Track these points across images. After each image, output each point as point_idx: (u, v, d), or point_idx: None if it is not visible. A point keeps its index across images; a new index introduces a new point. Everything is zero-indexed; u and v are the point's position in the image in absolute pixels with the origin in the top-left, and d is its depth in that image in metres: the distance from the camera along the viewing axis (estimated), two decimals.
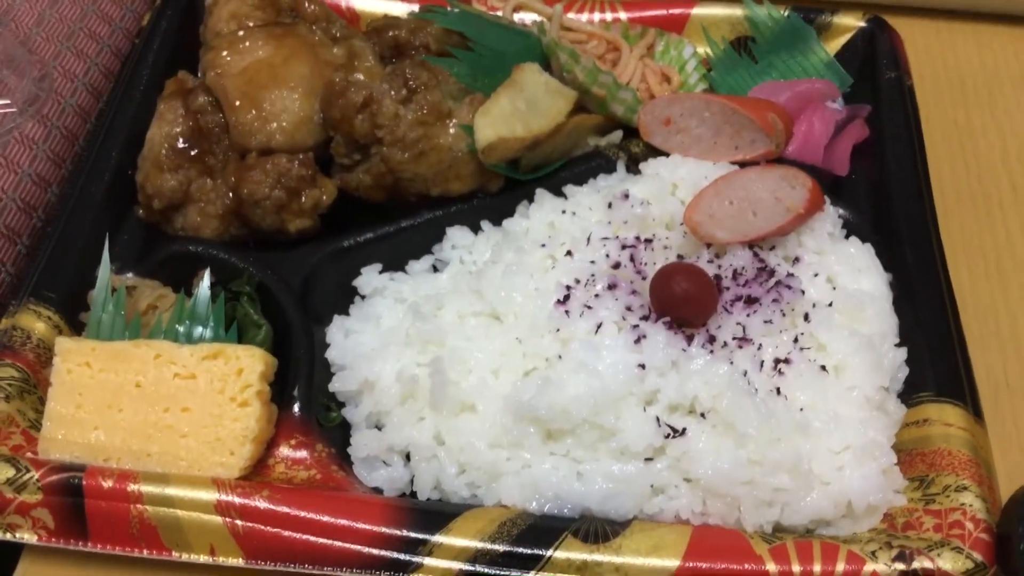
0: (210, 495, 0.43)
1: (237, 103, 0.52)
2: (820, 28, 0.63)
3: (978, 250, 0.60)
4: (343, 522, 0.43)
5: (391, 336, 0.49)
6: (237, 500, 0.43)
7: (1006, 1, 0.70)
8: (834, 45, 0.63)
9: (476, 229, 0.54)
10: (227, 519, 0.43)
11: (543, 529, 0.43)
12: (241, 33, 0.54)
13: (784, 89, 0.58)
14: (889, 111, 0.59)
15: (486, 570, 0.42)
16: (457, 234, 0.53)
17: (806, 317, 0.47)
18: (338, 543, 0.43)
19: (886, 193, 0.55)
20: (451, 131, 0.52)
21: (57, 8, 0.72)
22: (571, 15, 0.63)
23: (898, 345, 0.48)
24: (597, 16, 0.64)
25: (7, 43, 0.69)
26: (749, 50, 0.63)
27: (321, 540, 0.43)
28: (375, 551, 0.43)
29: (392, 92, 0.52)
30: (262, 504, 0.43)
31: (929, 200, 0.55)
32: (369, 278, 0.52)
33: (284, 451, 0.47)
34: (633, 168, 0.56)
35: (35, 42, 0.70)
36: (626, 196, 0.51)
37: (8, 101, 0.67)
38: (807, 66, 0.61)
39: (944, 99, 0.67)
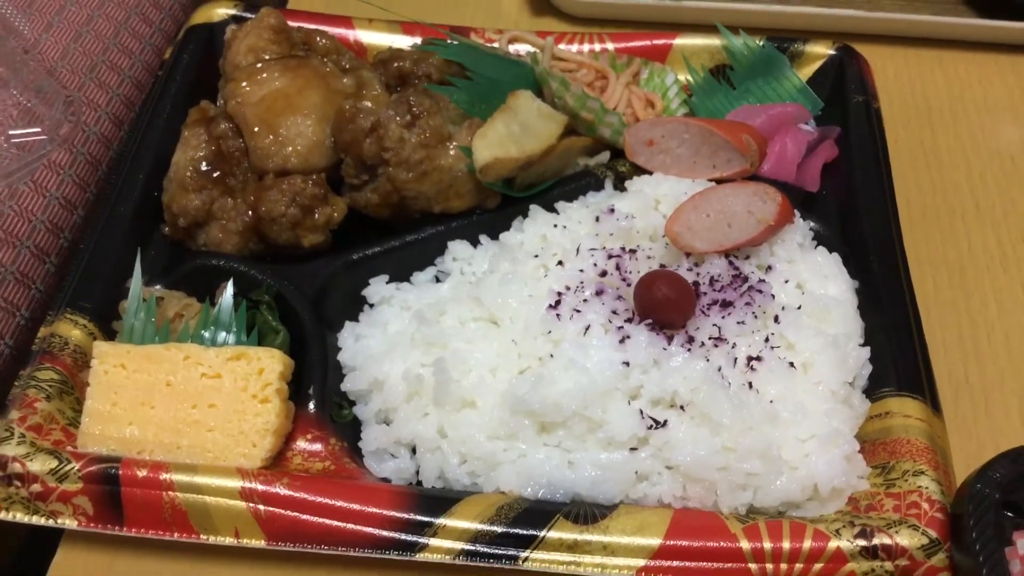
0: (235, 483, 0.47)
1: (256, 129, 0.57)
2: (793, 56, 0.67)
3: (942, 261, 0.64)
4: (356, 507, 0.47)
5: (397, 340, 0.53)
6: (259, 487, 0.47)
7: (969, 30, 0.75)
8: (806, 71, 0.67)
9: (475, 243, 0.58)
10: (250, 504, 0.47)
11: (537, 512, 0.47)
12: (259, 65, 0.59)
13: (759, 112, 0.63)
14: (857, 132, 0.63)
15: (485, 549, 0.46)
16: (458, 247, 0.58)
17: (776, 319, 0.51)
18: (351, 526, 0.47)
19: (853, 207, 0.60)
20: (451, 153, 0.57)
21: (80, 42, 0.77)
22: (562, 46, 0.68)
23: (862, 345, 0.53)
24: (586, 47, 0.68)
25: (36, 75, 0.74)
26: (727, 77, 0.67)
27: (336, 523, 0.47)
28: (385, 532, 0.47)
29: (397, 117, 0.56)
30: (282, 491, 0.47)
31: (894, 214, 0.60)
32: (377, 288, 0.57)
33: (301, 444, 0.51)
34: (619, 186, 0.60)
35: (61, 74, 0.75)
36: (612, 211, 0.56)
37: (39, 129, 0.72)
38: (781, 91, 0.66)
39: (911, 122, 0.72)
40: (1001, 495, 0.46)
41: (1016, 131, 0.72)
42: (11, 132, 0.71)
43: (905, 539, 0.45)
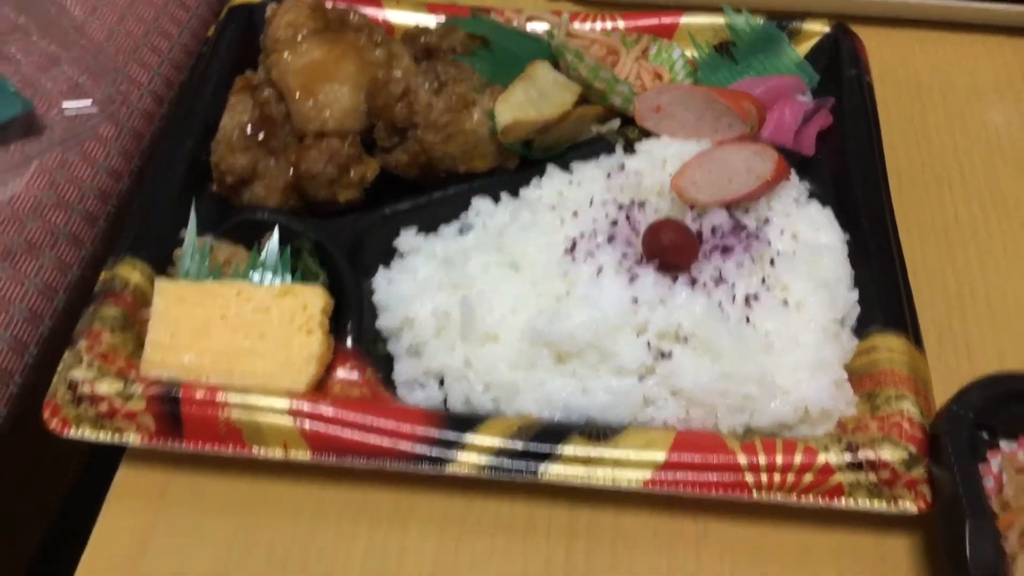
0: (283, 403, 0.52)
1: (297, 95, 0.63)
2: (791, 33, 0.72)
3: (929, 224, 0.69)
4: (391, 424, 0.52)
5: (426, 283, 0.58)
6: (305, 407, 0.52)
7: (958, 12, 0.80)
8: (804, 48, 0.72)
9: (496, 199, 0.63)
10: (297, 421, 0.52)
11: (554, 431, 0.52)
12: (299, 38, 0.65)
13: (759, 84, 0.68)
14: (850, 102, 0.68)
15: (508, 463, 0.51)
16: (480, 203, 0.63)
17: (772, 262, 0.56)
18: (387, 441, 0.52)
19: (845, 170, 0.65)
20: (475, 117, 0.62)
21: (124, 25, 0.83)
22: (575, 25, 0.73)
23: (851, 289, 0.58)
24: (599, 25, 0.74)
25: (86, 53, 0.80)
26: (730, 53, 0.72)
27: (373, 439, 0.52)
28: (417, 448, 0.52)
29: (426, 84, 0.62)
30: (325, 410, 0.52)
31: (884, 177, 0.64)
32: (407, 239, 0.62)
33: (340, 374, 0.56)
34: (629, 150, 0.65)
35: (107, 53, 0.81)
36: (622, 168, 0.61)
37: (90, 101, 0.77)
38: (780, 66, 0.71)
39: (902, 99, 0.76)
40: (975, 416, 0.51)
41: (1000, 110, 0.77)
42: (64, 104, 0.77)
43: (887, 454, 0.50)
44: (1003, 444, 0.52)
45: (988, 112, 0.77)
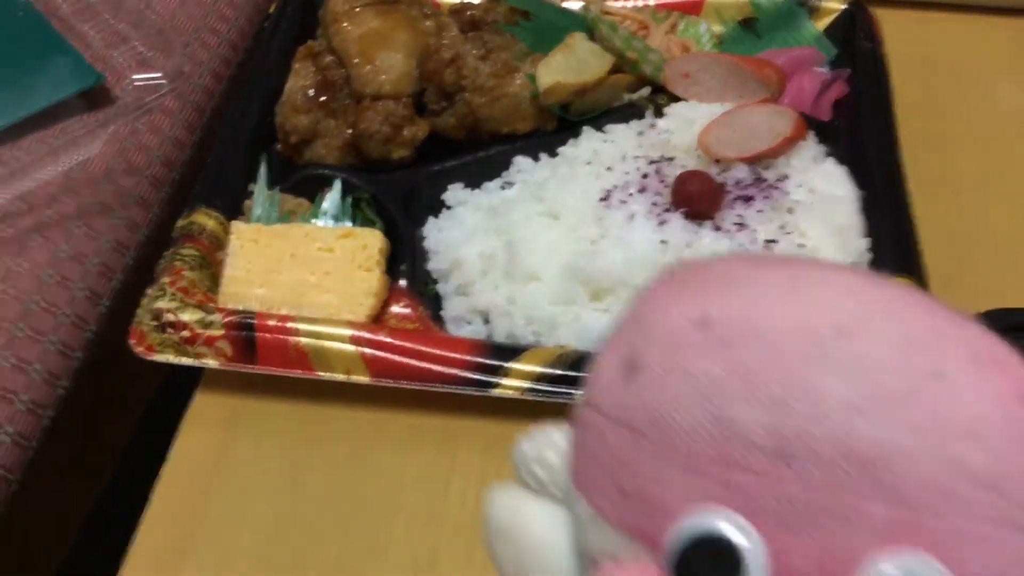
0: (347, 331, 0.58)
1: (356, 60, 0.69)
2: (811, 10, 0.77)
3: (939, 185, 0.73)
4: (442, 352, 0.58)
5: (473, 230, 0.64)
6: (366, 335, 0.58)
7: None
8: (822, 23, 0.77)
9: (536, 158, 0.69)
10: (359, 348, 0.58)
11: (590, 360, 0.58)
12: (357, 10, 0.71)
13: (780, 55, 0.73)
14: (864, 73, 0.73)
15: (547, 387, 0.57)
16: (522, 161, 0.68)
17: (789, 211, 0.62)
18: (438, 367, 0.57)
19: (860, 133, 0.70)
20: (518, 82, 0.68)
21: (185, 8, 0.90)
22: (609, 1, 0.79)
23: (862, 237, 0.63)
24: (631, 3, 0.80)
25: (151, 30, 0.86)
26: (753, 28, 0.78)
27: (426, 364, 0.57)
28: (466, 373, 0.57)
29: (474, 51, 0.68)
30: (384, 338, 0.58)
31: (895, 139, 0.69)
32: (454, 193, 0.67)
33: (395, 309, 0.62)
34: (659, 115, 0.71)
35: (171, 32, 0.88)
36: (653, 126, 0.67)
37: (159, 73, 0.84)
38: (800, 39, 0.76)
39: (916, 74, 0.80)
40: None
41: (1010, 86, 0.82)
42: (134, 76, 0.83)
43: None
44: None
45: (999, 88, 0.81)
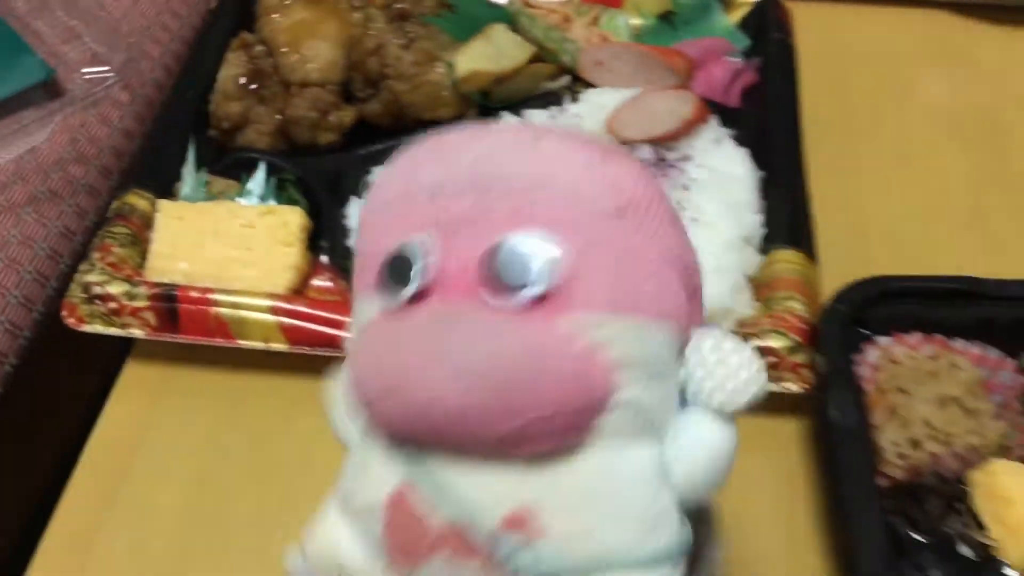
0: (265, 302, 0.61)
1: (284, 50, 0.72)
2: (726, 3, 0.81)
3: (840, 168, 0.75)
4: None
5: None
6: (283, 305, 0.61)
7: None
8: (736, 16, 0.81)
9: None
10: (277, 317, 0.61)
11: None
12: (288, 3, 0.75)
13: (693, 45, 0.77)
14: (773, 62, 0.77)
15: None
16: None
17: (685, 188, 0.65)
18: None
19: (765, 118, 0.74)
20: (439, 70, 0.72)
21: (138, 6, 0.93)
22: None
23: (756, 212, 0.67)
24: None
25: (103, 27, 0.90)
26: (671, 21, 0.82)
27: (342, 333, 0.61)
28: None
29: (396, 41, 0.71)
30: (301, 308, 0.61)
31: (798, 124, 0.73)
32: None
33: (317, 283, 0.65)
34: (575, 102, 0.74)
35: (123, 30, 0.91)
36: (565, 111, 0.70)
37: (108, 67, 0.87)
38: (714, 31, 0.80)
39: (827, 65, 0.83)
40: (852, 311, 0.60)
41: (917, 75, 0.85)
42: (84, 70, 0.87)
43: (774, 342, 0.59)
44: (880, 340, 0.61)
45: (906, 77, 0.85)
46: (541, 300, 0.29)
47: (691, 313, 0.34)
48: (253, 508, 0.59)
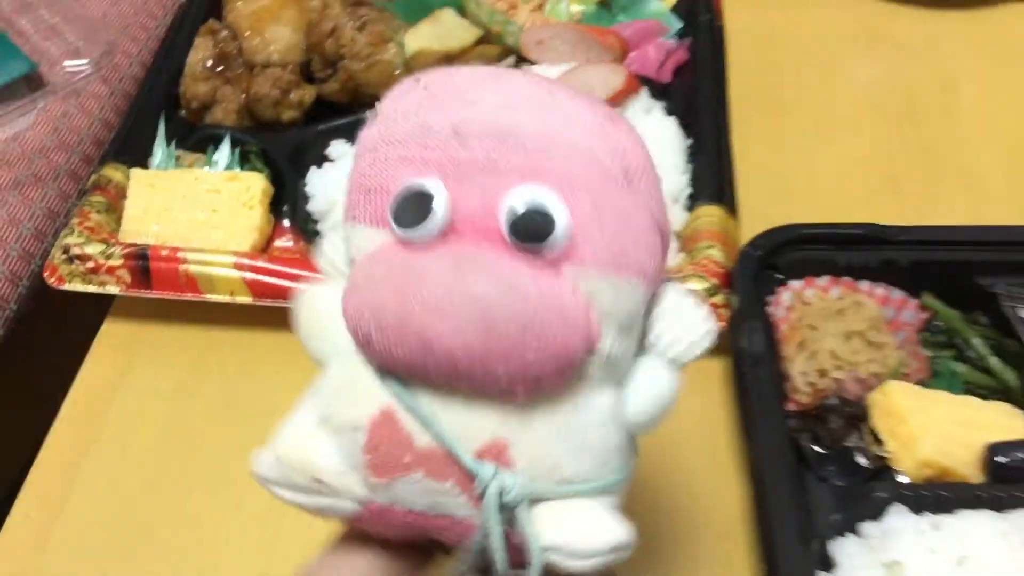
0: (229, 259, 0.66)
1: (247, 34, 0.78)
2: None
3: (766, 138, 0.81)
4: (314, 274, 0.67)
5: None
6: (248, 261, 0.66)
7: None
8: (669, 1, 0.88)
9: None
10: (241, 273, 0.67)
11: None
12: None
13: (629, 27, 0.83)
14: (702, 41, 0.83)
15: None
16: None
17: None
18: None
19: (695, 91, 0.80)
20: (392, 50, 0.78)
21: (118, 7, 0.99)
22: None
23: (682, 173, 0.73)
24: None
25: (84, 25, 0.96)
26: (609, 6, 0.88)
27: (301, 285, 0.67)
28: None
29: (351, 23, 0.77)
30: (263, 264, 0.67)
31: (725, 96, 0.79)
32: (337, 147, 0.76)
33: (279, 243, 0.71)
34: None
35: (102, 27, 0.97)
36: None
37: (87, 61, 0.93)
38: (648, 14, 0.86)
39: (756, 46, 0.90)
40: (764, 255, 0.66)
41: (838, 54, 0.91)
42: (65, 63, 0.93)
43: (695, 285, 0.65)
44: (793, 283, 0.67)
45: (828, 56, 0.89)
46: (553, 252, 0.31)
47: (660, 271, 0.36)
48: (219, 448, 0.64)
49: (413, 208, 0.32)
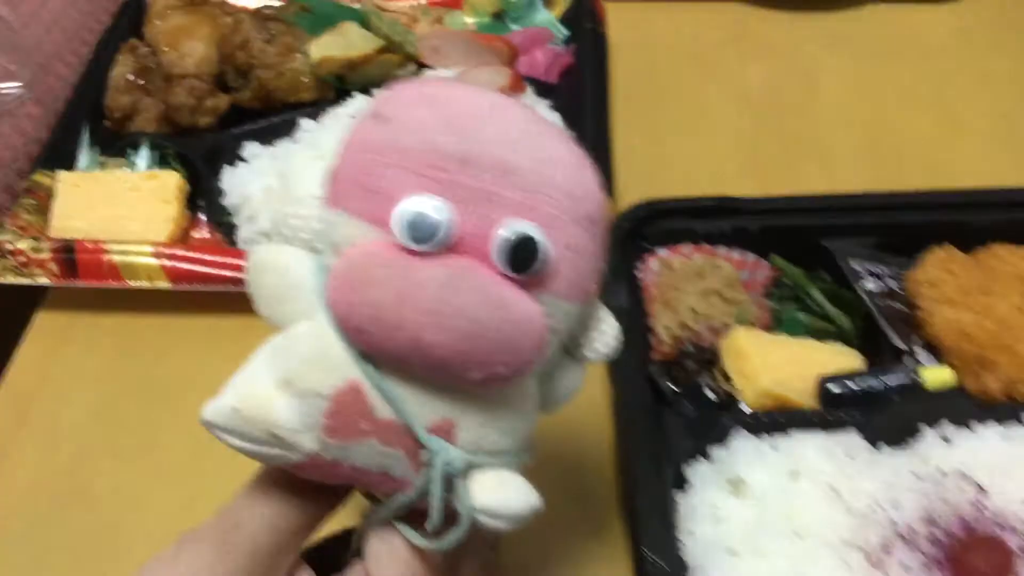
0: (148, 248, 0.73)
1: (165, 49, 0.85)
2: (547, 1, 0.97)
3: (646, 130, 0.90)
4: (224, 259, 0.73)
5: (260, 172, 0.80)
6: (165, 250, 0.73)
7: None
8: (557, 11, 0.96)
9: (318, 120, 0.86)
10: (159, 260, 0.73)
11: None
12: (169, 11, 0.88)
13: (520, 34, 0.92)
14: (585, 45, 0.92)
15: None
16: (307, 122, 0.85)
17: None
18: (227, 272, 0.73)
19: (579, 91, 0.88)
20: (299, 59, 0.85)
21: (50, 35, 1.06)
22: (385, 2, 0.97)
23: None
24: (404, 2, 0.98)
25: (17, 50, 1.02)
26: (503, 17, 0.96)
27: (215, 271, 0.72)
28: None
29: (260, 36, 0.85)
30: (180, 252, 0.73)
31: (605, 93, 0.87)
32: (250, 148, 0.83)
33: (196, 235, 0.78)
34: None
35: (35, 52, 1.04)
36: None
37: (19, 84, 0.99)
38: (537, 23, 0.95)
39: (638, 51, 0.99)
40: (632, 227, 0.73)
41: (712, 54, 0.99)
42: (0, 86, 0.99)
43: None
44: (660, 251, 0.74)
45: (703, 58, 0.97)
46: (530, 279, 0.37)
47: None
48: (144, 425, 0.71)
49: (422, 222, 0.35)
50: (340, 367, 0.37)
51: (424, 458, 0.38)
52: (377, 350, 0.37)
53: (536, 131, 0.38)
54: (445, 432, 0.38)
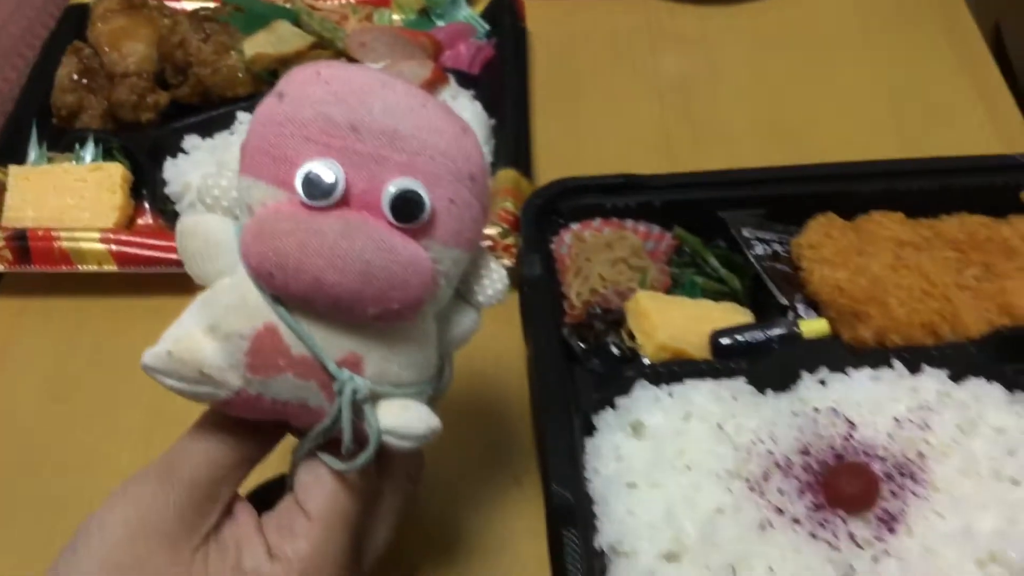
0: (95, 234, 0.78)
1: (107, 50, 0.90)
2: None
3: (564, 118, 0.97)
4: (168, 243, 0.79)
5: (200, 162, 0.85)
6: (112, 235, 0.78)
7: None
8: (479, 8, 1.03)
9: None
10: (107, 245, 0.78)
11: None
12: (109, 14, 0.93)
13: (444, 30, 0.98)
14: (506, 39, 0.99)
15: None
16: (243, 116, 0.90)
17: None
18: (170, 255, 0.79)
19: (501, 81, 0.95)
20: (233, 56, 0.91)
21: None
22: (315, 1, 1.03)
23: (486, 143, 0.87)
24: (336, 1, 1.04)
25: None
26: (428, 14, 1.03)
27: (160, 254, 0.77)
28: None
29: (197, 36, 0.90)
30: (125, 237, 0.78)
31: (525, 83, 0.94)
32: (191, 141, 0.89)
33: (141, 222, 0.84)
34: None
35: None
36: None
37: None
38: (460, 19, 1.01)
39: (555, 44, 1.05)
40: (544, 204, 0.80)
41: (627, 46, 1.06)
42: None
43: (491, 230, 0.79)
44: (572, 225, 0.81)
45: (619, 50, 1.04)
46: (416, 228, 0.42)
47: (480, 241, 0.47)
48: (96, 398, 0.76)
49: (318, 181, 0.41)
50: (257, 311, 0.42)
51: (336, 388, 0.44)
52: (285, 293, 0.42)
53: (420, 104, 0.43)
54: (353, 365, 0.44)
